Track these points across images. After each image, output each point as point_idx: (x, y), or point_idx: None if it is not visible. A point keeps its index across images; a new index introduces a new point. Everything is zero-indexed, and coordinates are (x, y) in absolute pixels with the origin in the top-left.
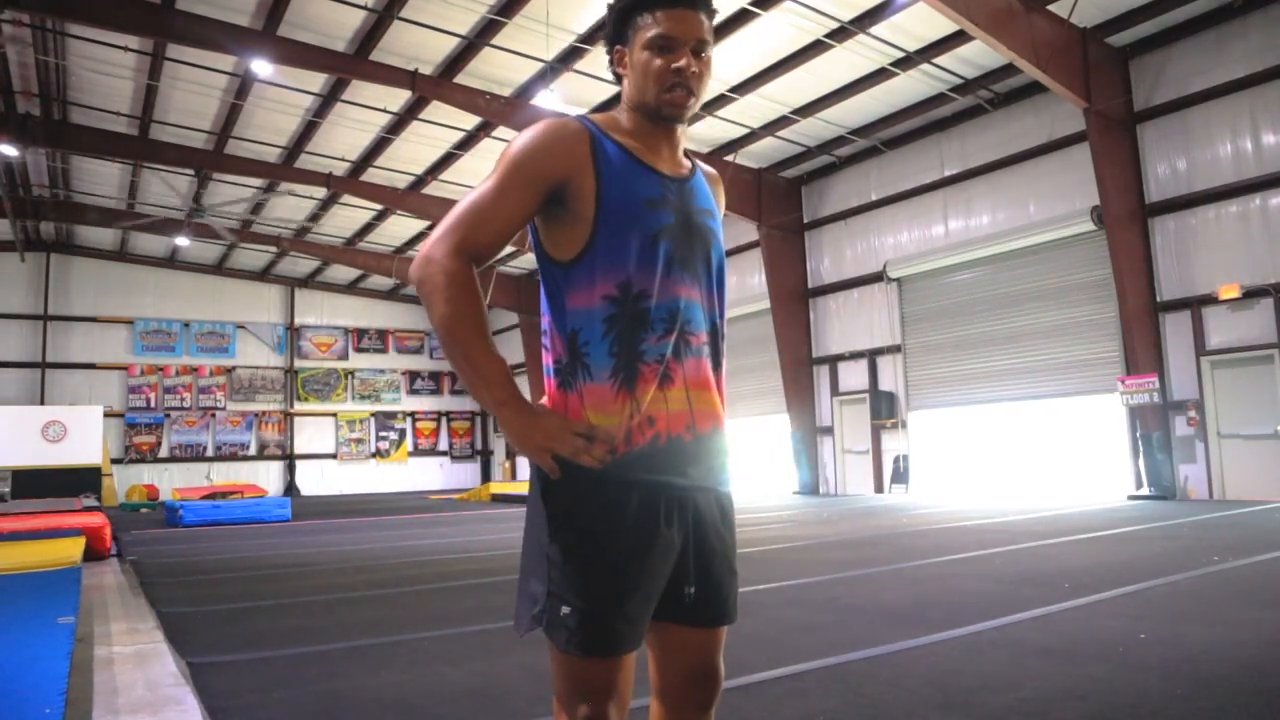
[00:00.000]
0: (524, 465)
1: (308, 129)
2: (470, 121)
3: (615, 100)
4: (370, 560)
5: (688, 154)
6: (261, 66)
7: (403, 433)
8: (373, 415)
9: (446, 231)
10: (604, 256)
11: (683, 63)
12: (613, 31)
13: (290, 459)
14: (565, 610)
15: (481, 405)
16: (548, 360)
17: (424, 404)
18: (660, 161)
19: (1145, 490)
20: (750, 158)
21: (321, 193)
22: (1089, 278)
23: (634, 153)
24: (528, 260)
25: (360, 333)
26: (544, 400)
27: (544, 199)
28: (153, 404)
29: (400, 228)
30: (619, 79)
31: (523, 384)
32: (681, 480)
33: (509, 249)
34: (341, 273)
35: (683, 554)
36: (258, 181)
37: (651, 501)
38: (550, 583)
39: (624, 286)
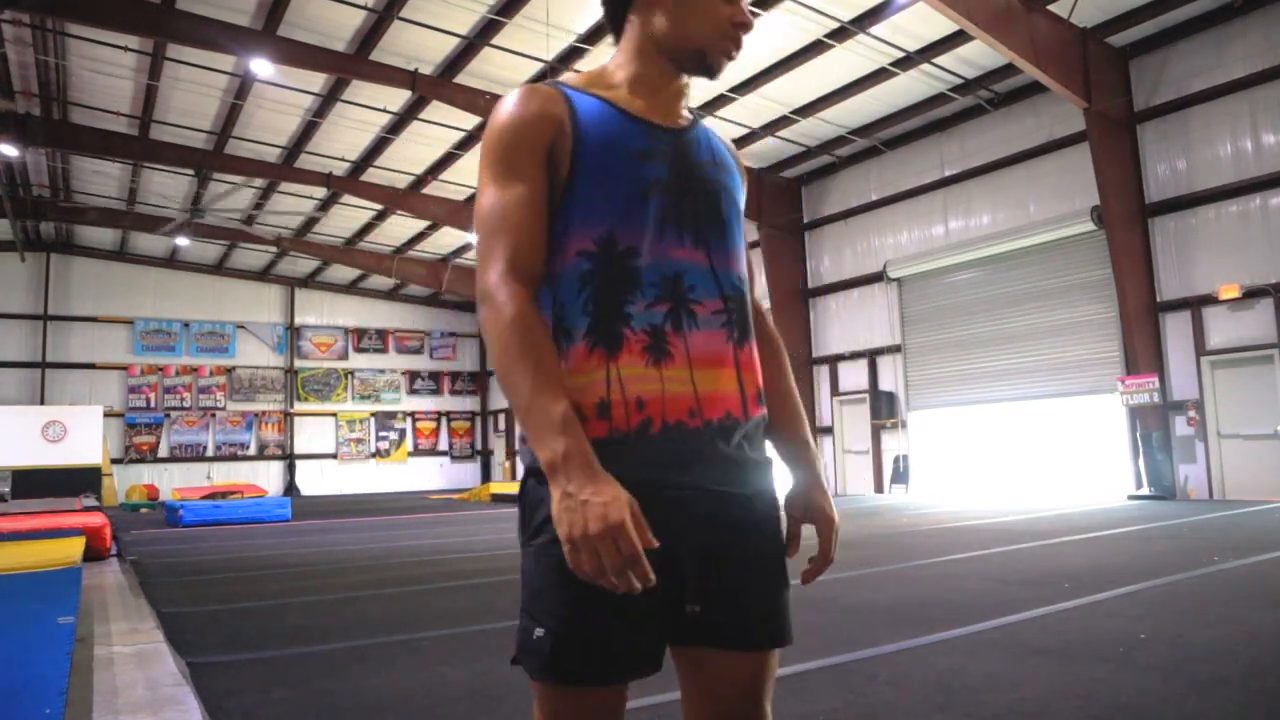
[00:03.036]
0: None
1: (308, 129)
2: (470, 121)
3: None
4: (370, 560)
5: (692, 111)
6: (261, 66)
7: (403, 433)
8: (373, 415)
9: (487, 259)
10: (580, 209)
11: (746, 17)
12: None
13: (290, 459)
14: (539, 633)
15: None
16: None
17: (424, 404)
18: (653, 111)
19: (1145, 490)
20: (750, 158)
21: (321, 193)
22: (1089, 278)
23: (617, 103)
24: None
25: (360, 333)
26: None
27: (547, 171)
28: (153, 404)
29: (400, 228)
30: (622, 12)
31: None
32: (680, 477)
33: None
34: (341, 273)
35: (681, 565)
36: (258, 181)
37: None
38: (524, 600)
39: (604, 241)
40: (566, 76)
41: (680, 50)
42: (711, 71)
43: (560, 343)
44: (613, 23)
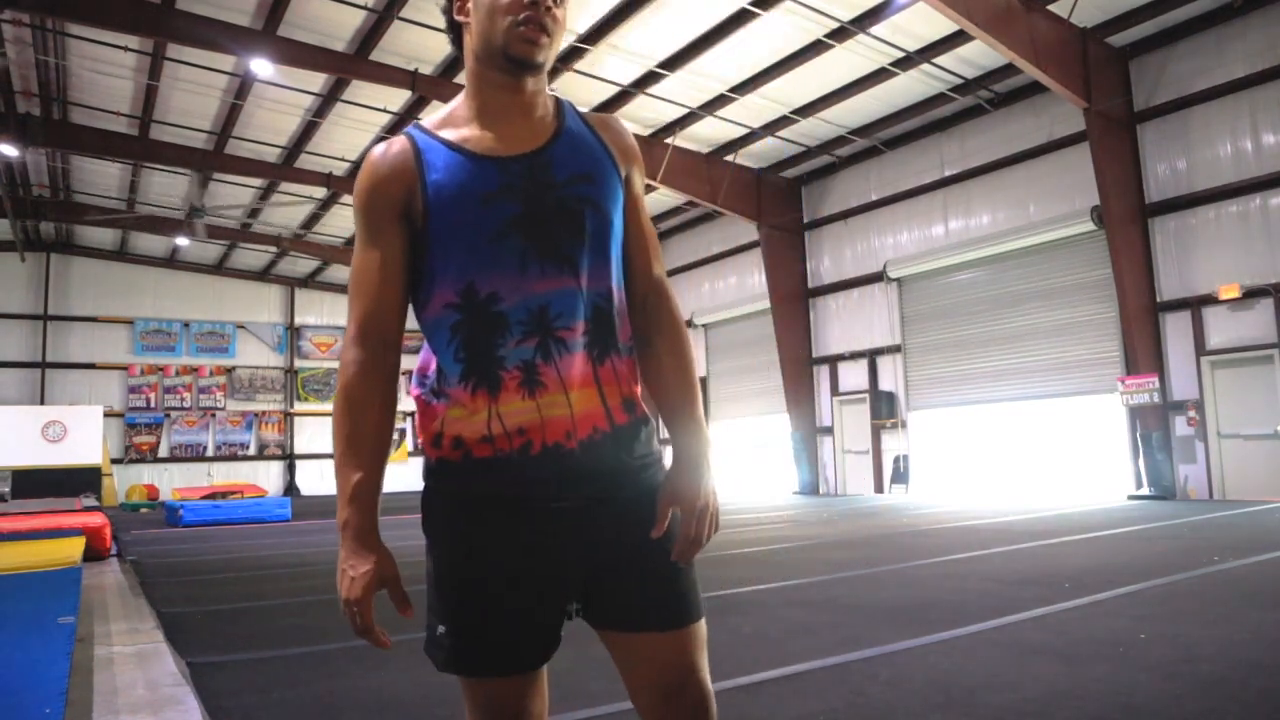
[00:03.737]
0: None
1: (308, 129)
2: None
3: (616, 100)
4: None
5: (567, 109)
6: (261, 66)
7: (403, 433)
8: None
9: (347, 323)
10: (440, 263)
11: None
12: None
13: (290, 459)
14: (440, 629)
15: None
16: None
17: None
18: (504, 141)
19: (1145, 490)
20: (750, 158)
21: (321, 193)
22: (1089, 278)
23: (464, 145)
24: None
25: None
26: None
27: (405, 230)
28: (153, 404)
29: None
30: (457, 36)
31: None
32: (562, 490)
33: None
34: (341, 272)
35: (566, 568)
36: (258, 182)
37: (507, 514)
38: (428, 599)
39: (466, 292)
40: (429, 118)
41: (490, 56)
42: (523, 64)
43: (440, 384)
44: (456, 42)
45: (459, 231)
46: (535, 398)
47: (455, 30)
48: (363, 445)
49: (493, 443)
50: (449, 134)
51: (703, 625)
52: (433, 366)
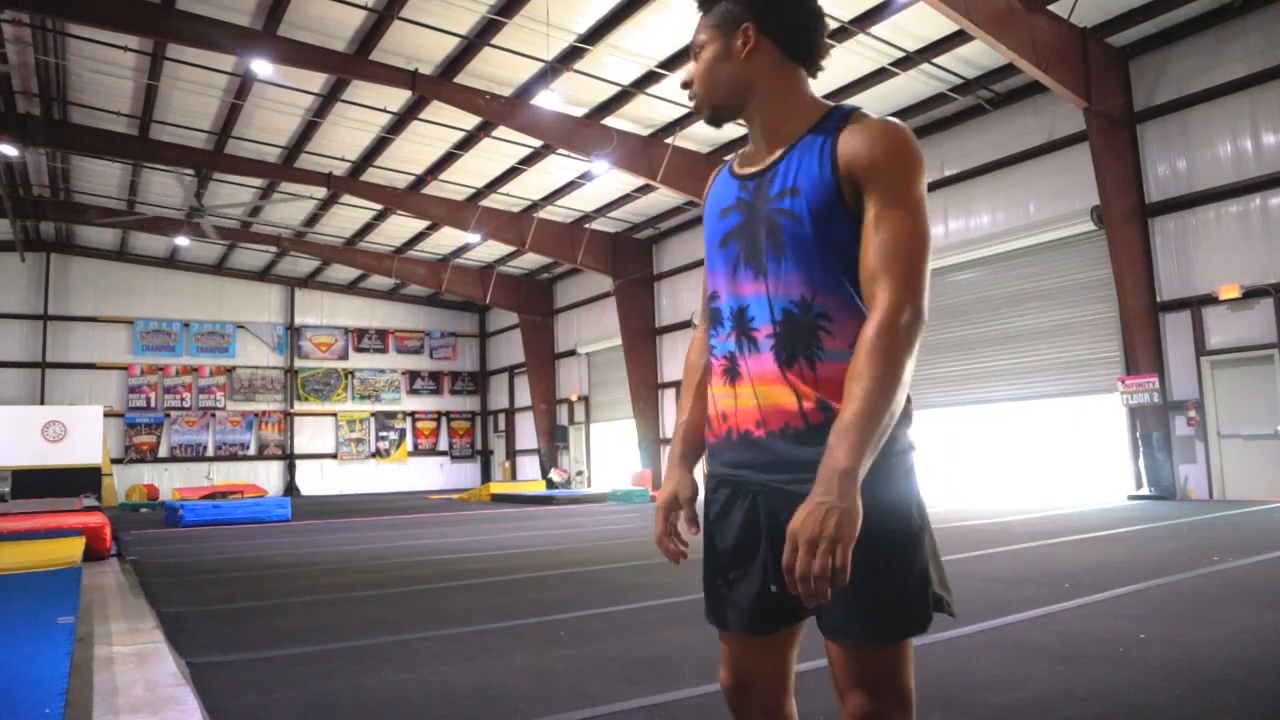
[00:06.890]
0: (524, 465)
1: (308, 129)
2: (470, 121)
3: (616, 100)
4: (370, 560)
5: (828, 119)
6: (261, 66)
7: (403, 433)
8: (373, 415)
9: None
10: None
11: (684, 75)
12: None
13: (290, 459)
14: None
15: None
16: None
17: (424, 404)
18: (751, 162)
19: (1145, 490)
20: None
21: (321, 193)
22: (1089, 278)
23: (734, 165)
24: (528, 260)
25: (360, 333)
26: None
27: None
28: (153, 404)
29: (400, 228)
30: None
31: (522, 384)
32: (757, 476)
33: (509, 249)
34: (341, 273)
35: (762, 550)
36: (258, 181)
37: (729, 491)
38: None
39: (706, 289)
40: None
41: None
42: (710, 124)
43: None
44: None
45: (707, 239)
46: (734, 386)
47: None
48: (686, 394)
49: (712, 424)
50: (735, 159)
51: (882, 652)
52: None
